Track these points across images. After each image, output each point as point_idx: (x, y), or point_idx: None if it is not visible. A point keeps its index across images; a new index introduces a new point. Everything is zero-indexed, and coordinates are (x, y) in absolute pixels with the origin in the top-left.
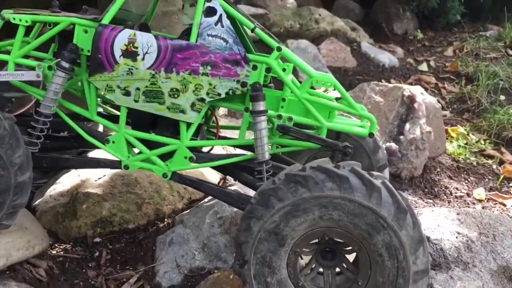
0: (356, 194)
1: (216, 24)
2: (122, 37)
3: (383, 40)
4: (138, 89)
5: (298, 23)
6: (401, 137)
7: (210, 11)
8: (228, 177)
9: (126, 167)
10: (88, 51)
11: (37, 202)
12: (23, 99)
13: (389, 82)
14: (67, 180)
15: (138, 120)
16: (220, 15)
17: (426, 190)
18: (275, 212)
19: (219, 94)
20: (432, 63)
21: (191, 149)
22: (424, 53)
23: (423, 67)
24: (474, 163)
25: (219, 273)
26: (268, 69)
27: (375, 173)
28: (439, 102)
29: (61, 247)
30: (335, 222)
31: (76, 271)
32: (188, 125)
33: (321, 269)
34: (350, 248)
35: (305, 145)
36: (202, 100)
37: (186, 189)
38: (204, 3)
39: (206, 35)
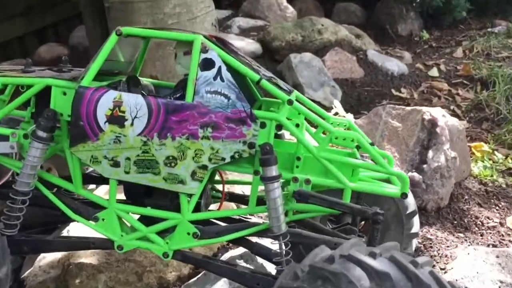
0: None
1: (215, 78)
2: (106, 100)
3: (388, 42)
4: (128, 159)
5: (301, 35)
6: (424, 166)
7: (207, 64)
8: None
9: (120, 248)
10: (69, 115)
11: (26, 274)
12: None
13: (400, 92)
14: None
15: (130, 188)
16: (219, 68)
17: (455, 222)
18: None
19: (223, 159)
20: (442, 67)
21: (194, 221)
22: (433, 55)
23: (434, 72)
24: (503, 185)
25: None
26: (279, 126)
27: (420, 259)
28: (454, 111)
29: None
30: None
31: None
32: (190, 196)
33: None
34: None
35: (326, 211)
36: (204, 167)
37: None
38: (200, 54)
39: (204, 92)
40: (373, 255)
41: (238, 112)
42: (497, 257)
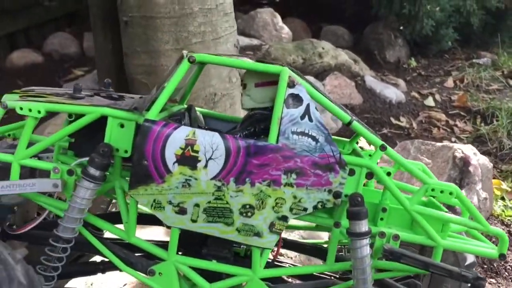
0: None
1: (302, 117)
2: (178, 138)
3: (377, 68)
4: (197, 205)
5: (302, 58)
6: (457, 207)
7: (294, 100)
8: None
9: None
10: (126, 151)
11: None
12: (27, 204)
13: (399, 120)
14: None
15: (185, 235)
16: (308, 105)
17: (485, 266)
18: None
19: (305, 209)
20: (437, 97)
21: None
22: (423, 83)
23: (429, 101)
24: None
25: None
26: (370, 174)
27: None
28: (456, 143)
29: None
30: None
31: None
32: (262, 249)
33: None
34: None
35: (411, 271)
36: (284, 218)
37: None
38: (286, 89)
39: (290, 132)
40: None
41: (326, 157)
42: None
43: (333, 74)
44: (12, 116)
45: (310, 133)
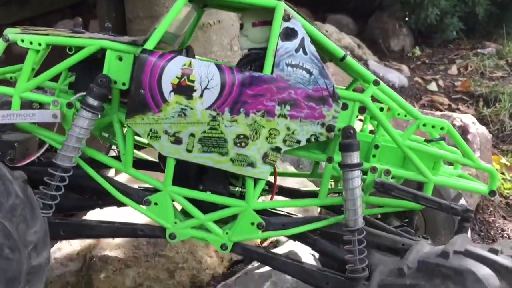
0: None
1: (297, 50)
2: (174, 67)
3: (381, 56)
4: (192, 135)
5: None
6: None
7: (289, 34)
8: None
9: (173, 237)
10: (124, 84)
11: None
12: (27, 142)
13: None
14: None
15: (181, 171)
16: (302, 39)
17: (483, 234)
18: None
19: (299, 142)
20: (440, 82)
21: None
22: (427, 71)
23: (433, 86)
24: None
25: None
26: (362, 108)
27: None
28: None
29: None
30: None
31: None
32: (255, 181)
33: None
34: None
35: (403, 205)
36: (278, 149)
37: None
38: (282, 22)
39: (285, 64)
40: (495, 252)
41: (320, 90)
42: None
43: None
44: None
45: (304, 66)
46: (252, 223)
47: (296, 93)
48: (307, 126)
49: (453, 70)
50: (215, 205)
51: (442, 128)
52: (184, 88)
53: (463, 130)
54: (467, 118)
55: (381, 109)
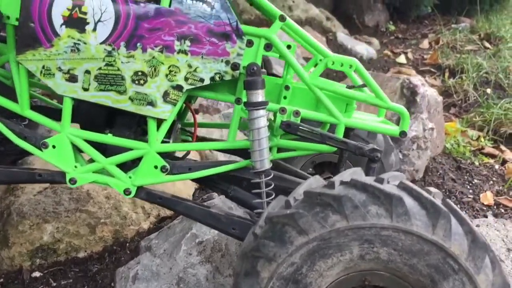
0: (415, 223)
1: None
2: None
3: (355, 32)
4: (87, 72)
5: None
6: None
7: None
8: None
9: (73, 181)
10: (17, 19)
11: None
12: None
13: None
14: None
15: (88, 116)
16: None
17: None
18: (294, 250)
19: (202, 80)
20: (410, 55)
21: (163, 155)
22: (399, 45)
23: (401, 59)
24: (476, 163)
25: None
26: (268, 46)
27: (432, 189)
28: None
29: None
30: (383, 264)
31: None
32: (159, 122)
33: None
34: None
35: (315, 148)
36: (179, 87)
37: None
38: None
39: None
40: (380, 181)
41: (222, 25)
42: (477, 225)
43: (303, 28)
44: None
45: None
46: (156, 166)
47: (196, 28)
48: (210, 64)
49: (425, 44)
50: (123, 150)
51: (350, 66)
52: (76, 21)
53: (412, 92)
54: (416, 80)
55: (289, 47)
